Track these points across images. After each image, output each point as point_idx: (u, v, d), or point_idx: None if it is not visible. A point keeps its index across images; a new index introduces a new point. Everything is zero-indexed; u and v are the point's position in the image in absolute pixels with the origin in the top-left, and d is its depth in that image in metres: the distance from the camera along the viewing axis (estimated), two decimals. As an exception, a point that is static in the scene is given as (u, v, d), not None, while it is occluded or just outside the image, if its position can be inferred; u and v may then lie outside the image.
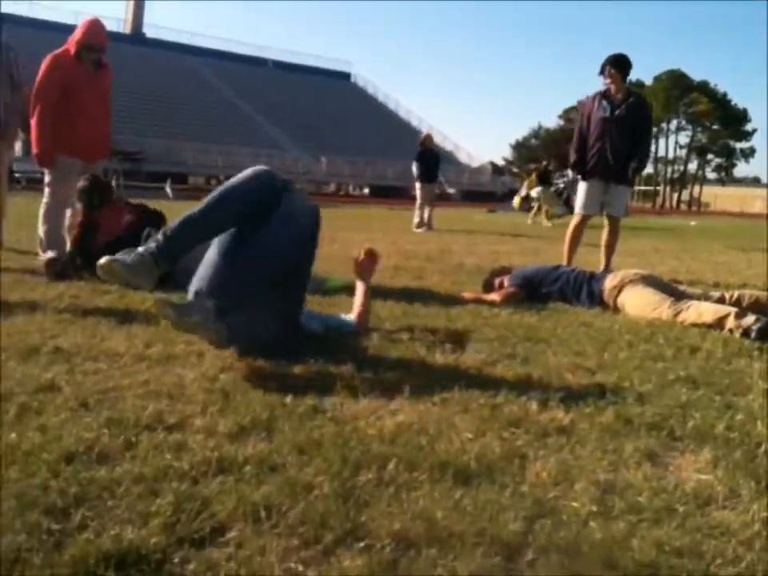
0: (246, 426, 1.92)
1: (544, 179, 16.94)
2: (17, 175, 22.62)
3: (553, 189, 17.07)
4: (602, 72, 5.92)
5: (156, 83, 51.21)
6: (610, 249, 6.16)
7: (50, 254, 5.03)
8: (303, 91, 60.50)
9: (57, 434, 1.80)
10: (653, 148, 79.03)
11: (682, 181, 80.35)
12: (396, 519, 1.43)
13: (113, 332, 3.00)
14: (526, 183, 19.07)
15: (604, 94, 5.95)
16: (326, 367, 2.56)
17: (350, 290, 4.33)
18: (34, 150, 5.05)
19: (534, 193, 16.79)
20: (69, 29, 5.15)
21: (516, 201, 18.90)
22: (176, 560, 1.28)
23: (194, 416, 2.00)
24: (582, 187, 6.15)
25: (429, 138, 13.83)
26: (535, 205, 16.80)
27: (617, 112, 5.85)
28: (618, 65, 5.88)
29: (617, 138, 5.85)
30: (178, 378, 2.37)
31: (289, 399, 2.16)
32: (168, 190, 25.27)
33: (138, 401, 2.11)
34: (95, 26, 5.14)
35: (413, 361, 2.71)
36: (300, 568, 1.27)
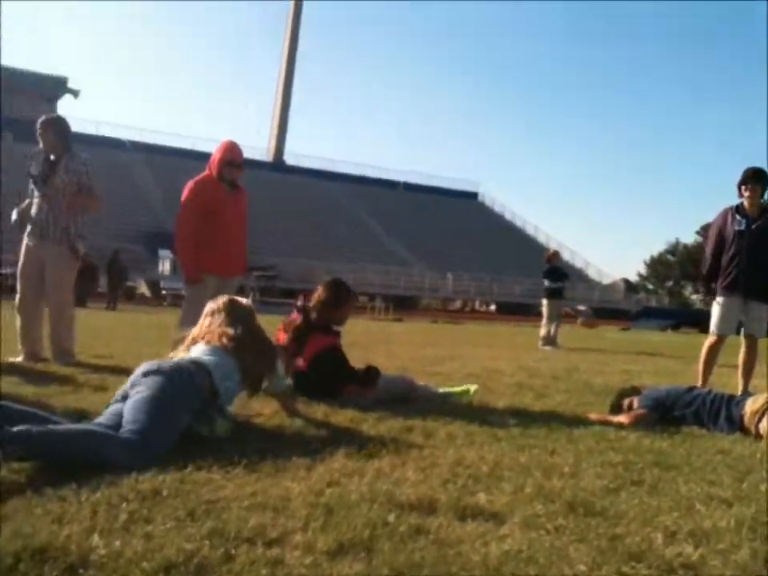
0: (345, 544, 1.85)
1: None
2: (163, 292, 24.38)
3: None
4: (742, 185, 5.79)
5: (294, 206, 54.65)
6: (749, 370, 5.85)
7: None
8: (432, 211, 62.53)
9: (160, 543, 1.81)
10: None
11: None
12: None
13: (227, 443, 3.01)
14: None
15: (737, 209, 5.80)
16: (434, 486, 2.48)
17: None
18: (184, 274, 5.47)
19: None
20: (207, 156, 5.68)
21: None
22: None
23: (294, 531, 1.96)
24: (718, 305, 5.90)
25: (555, 254, 13.94)
26: None
27: (753, 226, 5.67)
28: (759, 179, 5.76)
29: (755, 253, 5.65)
30: (285, 491, 2.35)
31: (392, 517, 2.08)
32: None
33: (243, 512, 2.10)
34: (233, 145, 5.60)
35: (527, 484, 2.57)
36: None
